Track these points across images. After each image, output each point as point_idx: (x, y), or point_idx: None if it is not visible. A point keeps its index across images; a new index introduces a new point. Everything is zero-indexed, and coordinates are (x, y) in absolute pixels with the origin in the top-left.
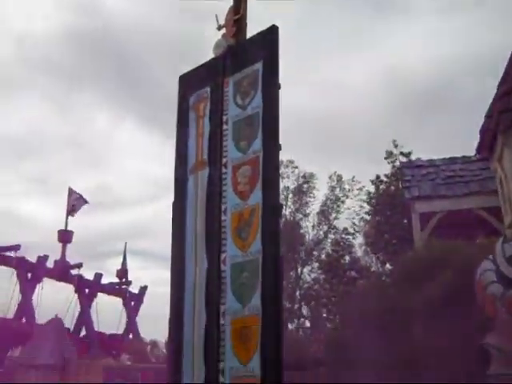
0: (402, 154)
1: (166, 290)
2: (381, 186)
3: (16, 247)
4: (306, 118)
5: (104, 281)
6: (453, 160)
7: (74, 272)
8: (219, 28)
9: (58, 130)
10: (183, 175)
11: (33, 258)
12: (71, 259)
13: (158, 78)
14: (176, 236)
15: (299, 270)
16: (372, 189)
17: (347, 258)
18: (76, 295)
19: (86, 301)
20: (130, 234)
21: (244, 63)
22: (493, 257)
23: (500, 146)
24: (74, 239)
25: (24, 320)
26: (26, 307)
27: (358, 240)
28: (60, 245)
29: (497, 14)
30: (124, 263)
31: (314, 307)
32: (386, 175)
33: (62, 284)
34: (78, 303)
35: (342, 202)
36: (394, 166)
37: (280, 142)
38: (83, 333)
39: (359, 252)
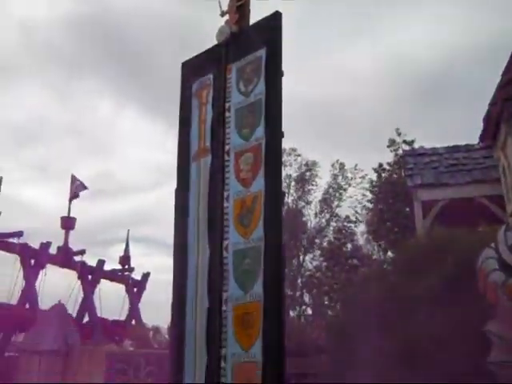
0: (404, 142)
1: (168, 277)
2: (383, 175)
3: (19, 233)
4: (309, 105)
5: (107, 267)
6: (456, 148)
7: (76, 259)
8: (222, 14)
9: (59, 118)
10: (186, 162)
11: (35, 245)
12: (74, 246)
13: (159, 65)
14: (178, 223)
15: (301, 257)
16: (374, 177)
17: (349, 245)
18: (79, 281)
19: (88, 287)
20: (133, 221)
21: (247, 50)
22: (495, 245)
23: (503, 135)
24: (77, 226)
25: (27, 306)
26: (29, 293)
27: (360, 228)
28: (63, 231)
29: (503, 1)
30: (127, 250)
31: (316, 295)
32: (388, 163)
33: (65, 270)
34: (80, 289)
35: (345, 190)
36: (396, 155)
37: (283, 130)
38: (86, 319)
39: (361, 240)
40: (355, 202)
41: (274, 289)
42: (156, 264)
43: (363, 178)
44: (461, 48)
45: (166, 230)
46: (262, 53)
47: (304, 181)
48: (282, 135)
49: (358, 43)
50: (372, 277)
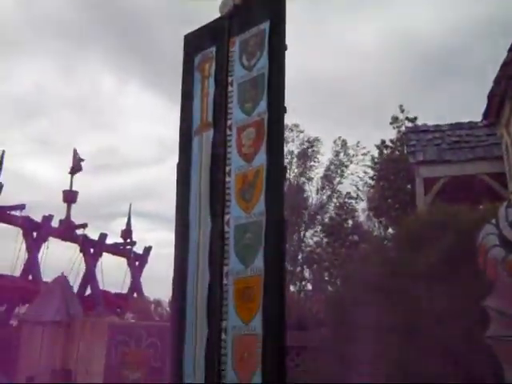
0: (407, 119)
1: (170, 251)
2: (385, 152)
3: (21, 206)
4: (312, 80)
5: (109, 241)
6: (459, 125)
7: (78, 232)
8: None
9: (61, 92)
10: (188, 137)
11: (38, 218)
12: (76, 220)
13: (161, 39)
14: (180, 197)
15: (302, 233)
16: (376, 154)
17: (350, 222)
18: (81, 255)
19: (91, 260)
20: (135, 196)
21: (250, 23)
22: (496, 221)
23: (507, 112)
24: (79, 200)
25: (30, 278)
26: (32, 265)
27: (362, 205)
28: (65, 205)
29: None
30: (128, 224)
31: (316, 270)
32: (391, 140)
33: (68, 244)
34: (83, 262)
35: (346, 166)
36: (399, 132)
37: (285, 105)
38: (88, 291)
39: (362, 217)
40: (357, 178)
41: (274, 263)
42: (158, 238)
43: (365, 154)
44: (470, 23)
45: (168, 205)
46: (265, 25)
47: (306, 157)
48: (284, 110)
49: (361, 17)
50: (372, 253)
